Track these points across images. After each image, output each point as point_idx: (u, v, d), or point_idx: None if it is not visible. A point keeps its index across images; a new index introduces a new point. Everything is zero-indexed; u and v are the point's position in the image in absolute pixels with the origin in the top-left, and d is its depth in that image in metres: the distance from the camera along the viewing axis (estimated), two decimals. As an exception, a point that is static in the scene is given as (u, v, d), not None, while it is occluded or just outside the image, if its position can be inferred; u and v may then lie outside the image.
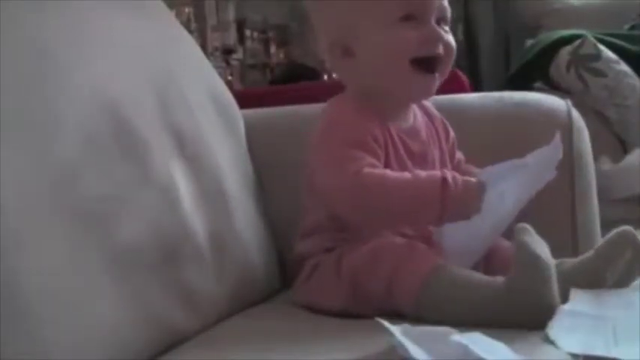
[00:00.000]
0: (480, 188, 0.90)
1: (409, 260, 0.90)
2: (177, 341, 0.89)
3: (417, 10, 0.98)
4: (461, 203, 0.90)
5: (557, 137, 0.98)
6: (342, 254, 0.96)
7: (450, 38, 1.00)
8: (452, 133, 1.11)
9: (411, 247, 0.92)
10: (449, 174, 0.91)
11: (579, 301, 0.86)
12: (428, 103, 1.10)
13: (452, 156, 1.10)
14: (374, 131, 0.97)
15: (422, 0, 0.99)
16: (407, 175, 0.94)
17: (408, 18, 0.98)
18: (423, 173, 0.94)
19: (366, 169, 0.92)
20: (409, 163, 1.00)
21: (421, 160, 1.02)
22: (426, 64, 0.99)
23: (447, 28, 1.01)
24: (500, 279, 0.87)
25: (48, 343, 0.71)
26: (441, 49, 0.99)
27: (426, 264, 0.89)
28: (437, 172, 0.93)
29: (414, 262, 0.90)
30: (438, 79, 1.01)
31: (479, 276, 0.89)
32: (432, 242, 0.95)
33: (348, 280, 0.94)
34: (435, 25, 0.99)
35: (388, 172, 0.94)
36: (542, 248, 0.85)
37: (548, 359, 0.74)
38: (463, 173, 1.02)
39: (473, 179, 0.92)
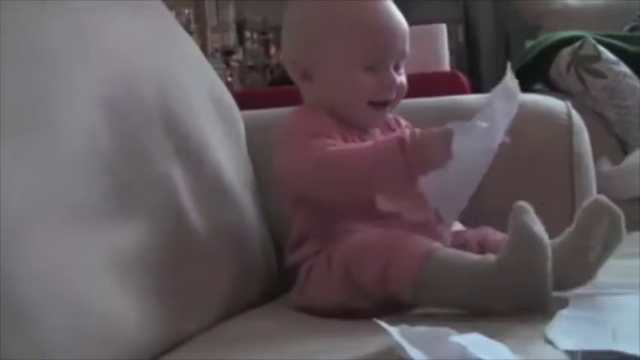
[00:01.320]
0: (445, 134, 0.91)
1: (400, 248, 0.91)
2: (177, 341, 0.89)
3: (379, 61, 1.04)
4: (425, 153, 0.92)
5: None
6: (331, 251, 0.97)
7: (403, 79, 1.06)
8: (403, 122, 1.14)
9: (400, 236, 0.93)
10: (407, 132, 0.95)
11: (578, 306, 0.86)
12: None
13: None
14: (329, 130, 1.01)
15: (385, 52, 1.04)
16: (367, 142, 0.99)
17: (369, 68, 1.03)
18: (382, 138, 0.99)
19: (329, 148, 0.97)
20: None
21: None
22: (379, 103, 1.05)
23: (402, 70, 1.07)
24: (491, 257, 0.88)
25: (48, 343, 0.71)
26: (394, 94, 1.05)
27: (418, 249, 0.90)
28: (394, 134, 0.97)
29: (405, 249, 0.91)
30: (388, 111, 1.08)
31: (470, 255, 0.91)
32: (418, 231, 0.95)
33: (340, 275, 0.95)
34: (393, 72, 1.04)
35: (349, 145, 0.99)
36: (539, 228, 0.86)
37: (546, 359, 0.74)
38: None
39: (436, 129, 0.94)
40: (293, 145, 1.01)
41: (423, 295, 0.89)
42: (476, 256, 0.90)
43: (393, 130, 1.11)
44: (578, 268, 0.93)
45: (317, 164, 0.97)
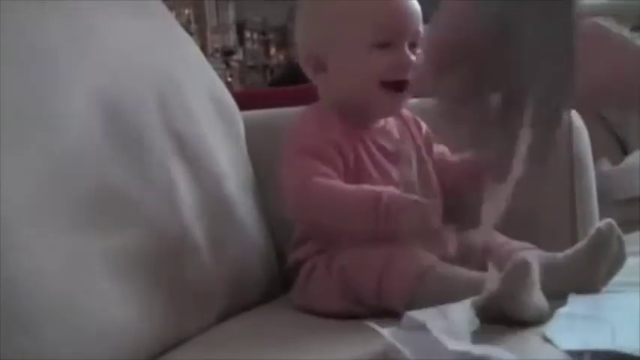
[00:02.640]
0: (420, 210, 0.91)
1: (398, 260, 0.91)
2: (176, 341, 0.89)
3: (392, 37, 1.02)
4: (397, 220, 0.92)
5: None
6: (333, 255, 0.97)
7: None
8: (424, 127, 1.13)
9: (399, 247, 0.92)
10: (387, 192, 0.94)
11: (576, 304, 0.86)
12: None
13: (429, 149, 1.11)
14: (338, 139, 1.00)
15: (397, 28, 1.02)
16: (352, 187, 0.97)
17: (383, 44, 1.02)
18: (366, 188, 0.97)
19: (316, 178, 0.96)
20: (384, 161, 1.03)
21: (395, 157, 1.05)
22: (395, 85, 1.03)
23: (418, 51, 1.04)
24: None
25: (47, 343, 0.71)
26: (410, 74, 1.03)
27: (415, 264, 0.90)
28: (379, 189, 0.96)
29: (402, 262, 0.91)
30: (406, 98, 1.05)
31: (469, 274, 0.90)
32: (423, 238, 0.95)
33: (339, 281, 0.95)
34: (407, 51, 1.02)
35: (336, 182, 0.97)
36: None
37: (545, 359, 0.74)
38: (447, 166, 1.07)
39: (423, 201, 0.94)
40: (291, 156, 1.00)
41: (416, 309, 0.88)
42: (474, 273, 0.89)
43: (412, 135, 1.10)
44: (586, 285, 0.93)
45: (300, 190, 0.96)
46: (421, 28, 1.04)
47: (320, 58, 1.05)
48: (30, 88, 0.81)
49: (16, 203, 0.74)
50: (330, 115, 1.03)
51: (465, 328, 0.74)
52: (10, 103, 0.77)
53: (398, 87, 1.03)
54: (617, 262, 0.93)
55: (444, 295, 0.87)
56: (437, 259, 0.92)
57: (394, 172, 1.03)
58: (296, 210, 0.99)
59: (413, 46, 1.03)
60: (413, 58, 1.02)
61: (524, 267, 0.82)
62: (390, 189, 0.96)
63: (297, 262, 1.03)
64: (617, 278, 0.95)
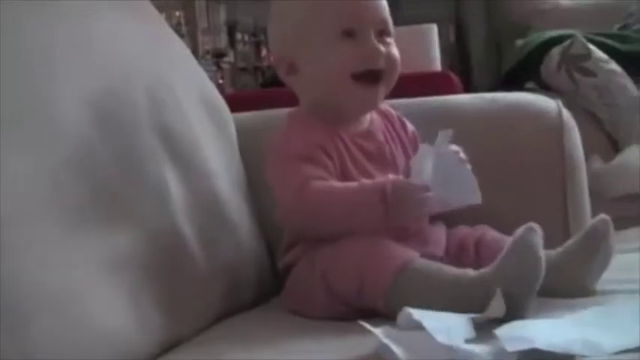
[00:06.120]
0: (419, 189, 0.91)
1: (375, 261, 0.90)
2: (171, 343, 0.89)
3: (355, 26, 1.00)
4: (404, 206, 0.92)
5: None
6: (314, 259, 0.97)
7: (393, 50, 1.02)
8: (410, 127, 1.12)
9: (377, 247, 0.91)
10: (390, 181, 0.93)
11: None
12: (383, 105, 1.11)
13: (415, 148, 1.09)
14: (322, 142, 0.99)
15: (359, 16, 1.01)
16: (352, 184, 0.96)
17: (348, 34, 1.00)
18: (367, 182, 0.96)
19: (312, 182, 0.95)
20: (368, 164, 1.02)
21: (380, 159, 1.04)
22: (368, 77, 1.01)
23: (389, 39, 1.02)
24: (471, 272, 0.87)
25: (45, 345, 0.71)
26: (382, 63, 1.01)
27: (394, 261, 0.89)
28: (380, 180, 0.95)
29: (379, 262, 0.90)
30: (383, 90, 1.03)
31: (448, 269, 0.89)
32: (400, 237, 0.95)
33: (322, 285, 0.94)
34: (375, 41, 1.00)
35: (334, 183, 0.96)
36: (540, 245, 0.85)
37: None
38: None
39: (416, 182, 0.93)
40: (281, 164, 0.99)
41: (396, 306, 0.84)
42: (453, 270, 0.89)
43: (398, 135, 1.09)
44: (579, 282, 0.93)
45: (299, 197, 0.95)
46: (387, 17, 1.03)
47: (290, 59, 1.04)
48: (27, 90, 0.81)
49: (13, 205, 0.73)
50: (310, 118, 1.03)
51: (461, 333, 0.74)
52: (7, 104, 0.77)
53: (371, 79, 1.01)
54: (607, 259, 0.94)
55: (423, 290, 0.87)
56: (416, 255, 0.91)
57: (377, 175, 1.01)
58: (297, 216, 0.97)
59: (381, 34, 1.02)
60: (382, 47, 1.01)
61: (535, 252, 0.83)
62: (392, 177, 0.95)
63: (287, 266, 1.03)
64: (617, 276, 0.95)
